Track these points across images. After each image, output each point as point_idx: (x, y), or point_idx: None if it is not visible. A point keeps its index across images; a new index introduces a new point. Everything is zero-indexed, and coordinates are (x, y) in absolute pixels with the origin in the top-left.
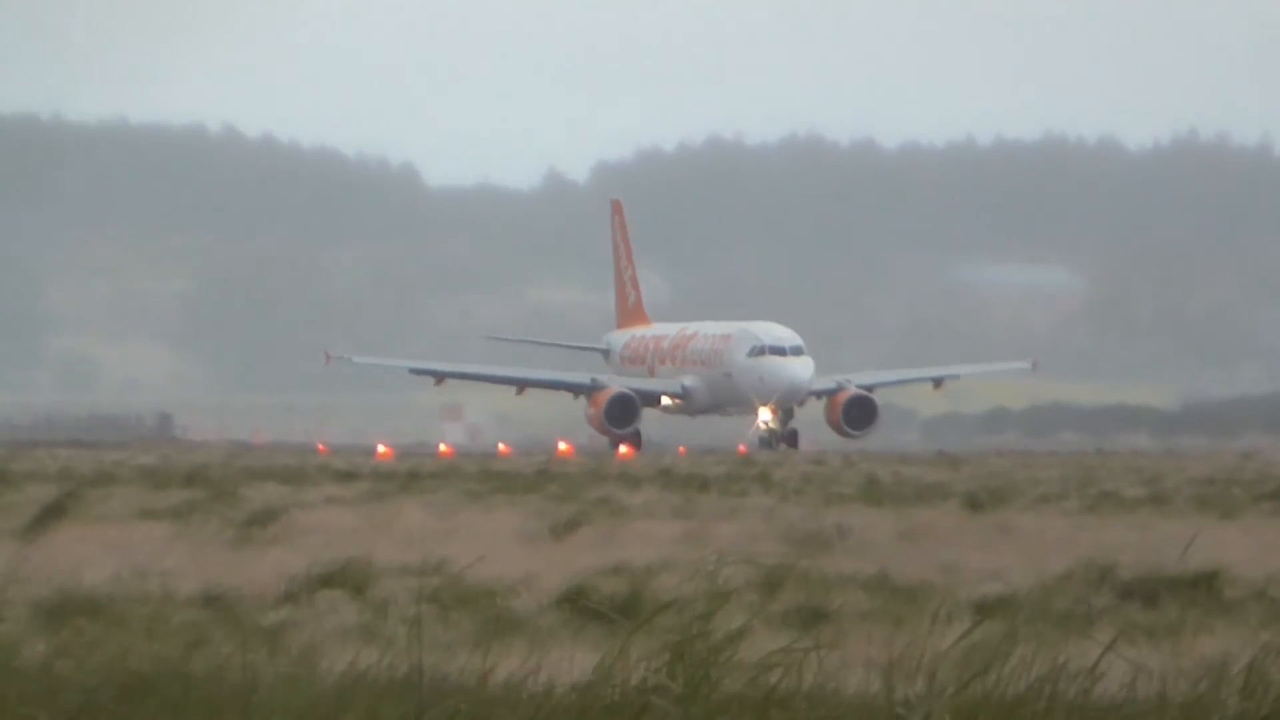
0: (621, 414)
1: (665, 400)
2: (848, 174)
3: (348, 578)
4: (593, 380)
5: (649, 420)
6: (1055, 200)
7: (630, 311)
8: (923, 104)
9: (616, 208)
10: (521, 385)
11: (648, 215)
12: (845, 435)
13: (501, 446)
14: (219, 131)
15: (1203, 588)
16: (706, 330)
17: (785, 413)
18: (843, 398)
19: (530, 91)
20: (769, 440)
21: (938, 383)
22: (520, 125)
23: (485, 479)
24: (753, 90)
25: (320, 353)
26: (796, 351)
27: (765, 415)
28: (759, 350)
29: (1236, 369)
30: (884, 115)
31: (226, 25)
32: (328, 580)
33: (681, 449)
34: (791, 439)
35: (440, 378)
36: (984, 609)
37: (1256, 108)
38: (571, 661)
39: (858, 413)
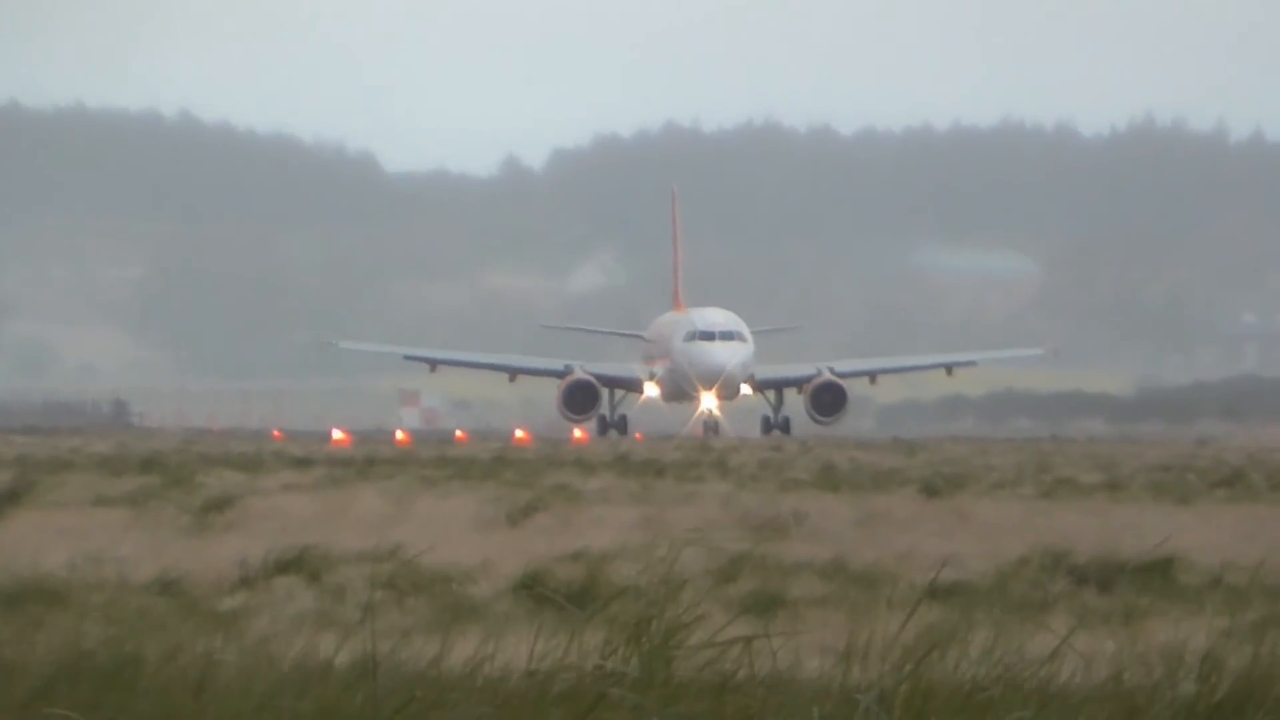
0: (582, 400)
1: (649, 387)
2: (805, 160)
3: (304, 564)
4: (565, 366)
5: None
6: (1012, 186)
7: (674, 297)
8: (880, 90)
9: (674, 195)
10: (513, 373)
11: (605, 202)
12: (815, 421)
13: (458, 433)
14: (175, 117)
15: (1158, 574)
16: (674, 317)
17: (777, 399)
18: (813, 385)
19: (488, 79)
20: (712, 426)
21: (950, 369)
22: (478, 112)
23: (442, 465)
24: (710, 77)
25: (274, 338)
26: (727, 337)
27: (710, 401)
28: (692, 335)
29: (1193, 355)
30: (841, 102)
31: (183, 12)
32: (284, 566)
33: (639, 435)
34: (784, 426)
35: (433, 365)
36: (940, 594)
37: (1212, 93)
38: (528, 648)
39: (828, 399)
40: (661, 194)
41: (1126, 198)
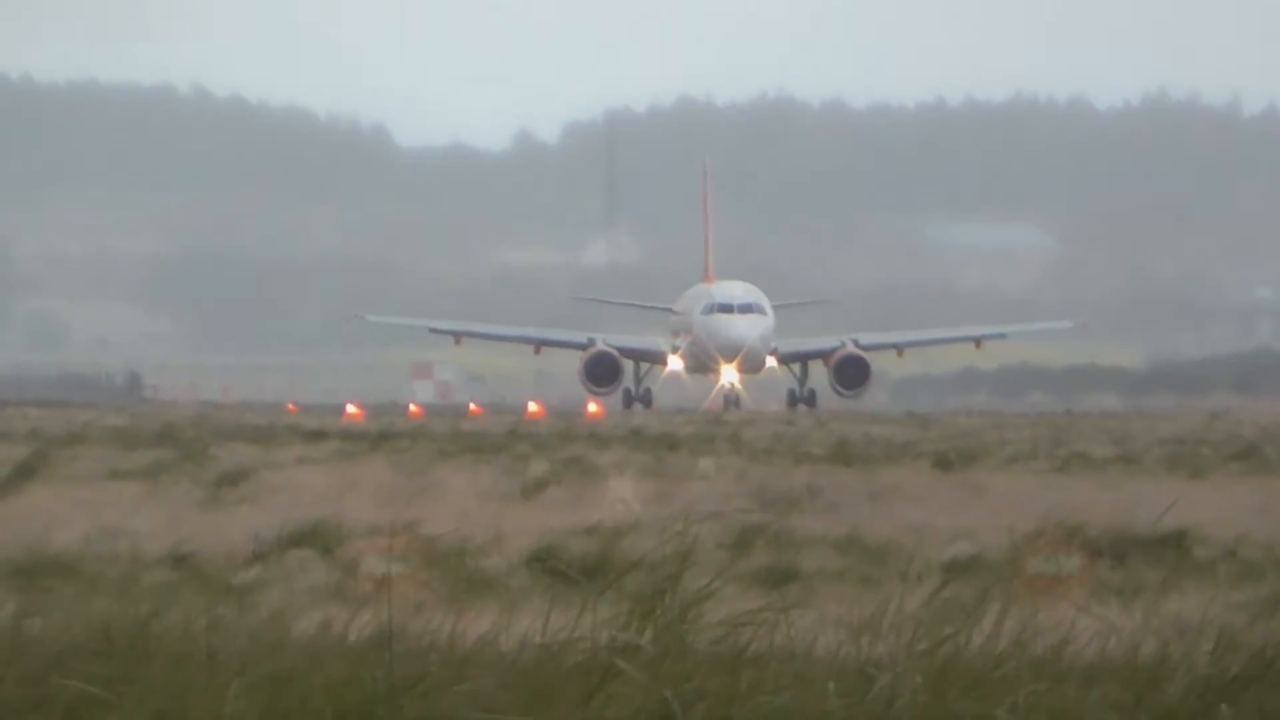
0: (604, 373)
1: (673, 360)
2: (817, 135)
3: (317, 537)
4: (588, 339)
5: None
6: (1025, 161)
7: (704, 271)
8: (892, 64)
9: (705, 169)
10: (537, 344)
11: (619, 176)
12: (838, 394)
13: (472, 406)
14: (188, 91)
15: (1172, 547)
16: (698, 290)
17: (802, 373)
18: (836, 357)
19: (501, 52)
20: (732, 400)
21: (979, 342)
22: (491, 86)
23: (455, 439)
24: (723, 50)
25: (288, 312)
26: (745, 309)
27: (730, 375)
28: (710, 308)
29: (1206, 329)
30: (854, 75)
31: None
32: (297, 540)
33: (651, 408)
34: (810, 399)
35: (458, 337)
36: (954, 569)
37: (1227, 67)
38: (543, 621)
39: (851, 372)
40: (678, 168)
41: (1140, 172)
